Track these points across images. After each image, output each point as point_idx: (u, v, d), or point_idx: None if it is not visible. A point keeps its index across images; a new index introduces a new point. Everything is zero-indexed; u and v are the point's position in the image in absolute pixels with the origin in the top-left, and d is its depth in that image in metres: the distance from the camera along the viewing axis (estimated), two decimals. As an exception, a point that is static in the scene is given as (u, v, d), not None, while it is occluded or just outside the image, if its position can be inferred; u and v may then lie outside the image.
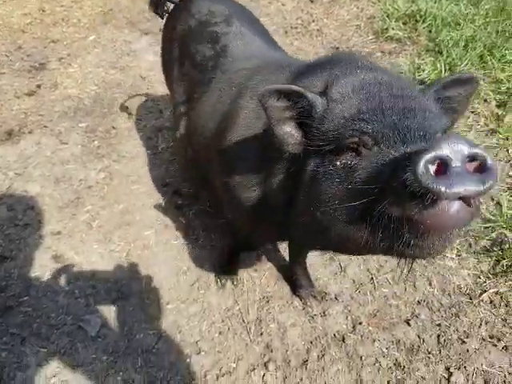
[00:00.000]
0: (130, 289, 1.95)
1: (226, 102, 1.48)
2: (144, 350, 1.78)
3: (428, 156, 0.64)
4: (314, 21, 3.50)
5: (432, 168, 0.64)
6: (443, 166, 0.64)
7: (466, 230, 0.76)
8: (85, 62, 3.11)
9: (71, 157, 2.48)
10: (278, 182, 1.16)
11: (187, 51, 1.78)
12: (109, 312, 1.88)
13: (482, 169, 0.64)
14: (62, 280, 1.98)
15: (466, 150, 0.63)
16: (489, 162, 0.64)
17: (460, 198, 0.65)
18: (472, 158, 0.64)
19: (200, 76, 1.68)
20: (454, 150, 0.63)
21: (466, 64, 2.86)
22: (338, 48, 3.24)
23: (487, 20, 3.30)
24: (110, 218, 2.19)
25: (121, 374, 1.72)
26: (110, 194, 2.29)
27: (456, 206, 0.66)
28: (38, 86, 2.89)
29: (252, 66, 1.51)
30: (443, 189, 0.62)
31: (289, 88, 0.97)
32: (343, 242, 0.93)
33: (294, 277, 1.94)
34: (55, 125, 2.66)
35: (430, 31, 3.24)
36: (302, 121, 0.99)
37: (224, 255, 2.00)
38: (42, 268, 2.01)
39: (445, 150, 0.63)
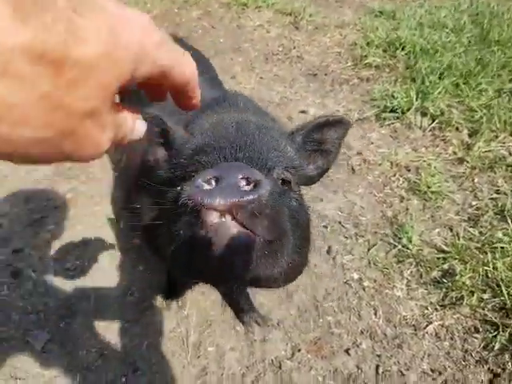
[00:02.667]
0: (79, 307, 2.04)
1: None
2: (84, 367, 1.85)
3: (203, 173, 0.67)
4: (295, 47, 3.62)
5: (205, 185, 0.65)
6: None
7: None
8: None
9: (43, 177, 2.62)
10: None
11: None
12: (57, 328, 1.97)
13: (254, 186, 0.64)
14: (17, 296, 2.09)
15: (241, 171, 0.65)
16: (261, 180, 0.64)
17: (224, 214, 0.63)
18: (248, 179, 0.65)
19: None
20: (229, 171, 0.65)
21: (440, 92, 2.91)
22: (316, 74, 3.34)
23: (468, 48, 3.35)
24: (69, 238, 2.30)
25: (58, 389, 1.80)
26: (74, 214, 2.41)
27: (221, 226, 0.64)
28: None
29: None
30: (199, 198, 0.62)
31: (154, 116, 1.02)
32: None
33: (237, 302, 2.00)
34: (32, 145, 2.81)
35: (409, 58, 3.31)
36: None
37: (166, 282, 2.08)
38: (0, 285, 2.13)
39: (220, 170, 0.66)
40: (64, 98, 0.32)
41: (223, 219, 0.63)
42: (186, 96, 0.51)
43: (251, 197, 0.62)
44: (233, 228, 0.64)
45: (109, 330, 1.97)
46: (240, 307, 1.98)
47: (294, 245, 0.82)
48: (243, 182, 0.64)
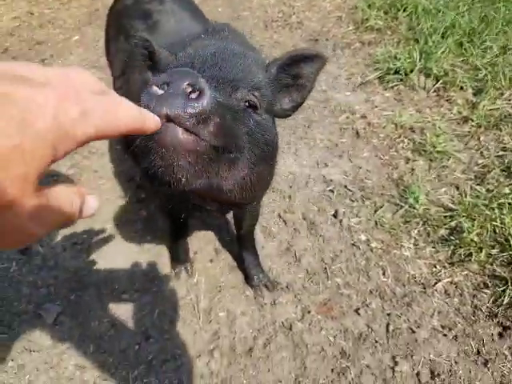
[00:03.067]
0: (89, 279, 2.06)
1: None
2: (97, 337, 1.88)
3: (156, 78, 0.70)
4: (294, 13, 3.56)
5: (158, 90, 0.67)
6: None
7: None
8: (67, 62, 3.25)
9: (45, 154, 2.62)
10: None
11: (122, 27, 1.93)
12: (67, 301, 2.00)
13: (198, 96, 0.67)
14: (27, 271, 2.11)
15: (188, 78, 0.67)
16: (206, 90, 0.67)
17: (171, 120, 0.66)
18: (193, 87, 0.67)
19: (132, 49, 1.81)
20: (178, 77, 0.68)
21: (443, 52, 2.86)
22: (317, 40, 3.29)
23: (472, 6, 3.28)
24: (75, 212, 2.31)
25: (73, 359, 1.83)
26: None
27: (168, 128, 0.67)
28: (20, 87, 3.04)
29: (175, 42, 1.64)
30: (150, 106, 0.64)
31: (143, 38, 1.10)
32: None
33: (246, 266, 2.01)
34: (33, 124, 2.80)
35: (411, 19, 3.25)
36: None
37: (169, 233, 2.10)
38: (9, 260, 2.15)
39: (170, 76, 0.68)
40: None
41: (172, 124, 0.66)
42: (140, 132, 0.49)
43: (192, 110, 0.66)
44: (179, 131, 0.67)
45: (120, 301, 1.99)
46: (249, 272, 2.00)
47: (250, 161, 0.88)
48: (188, 89, 0.67)
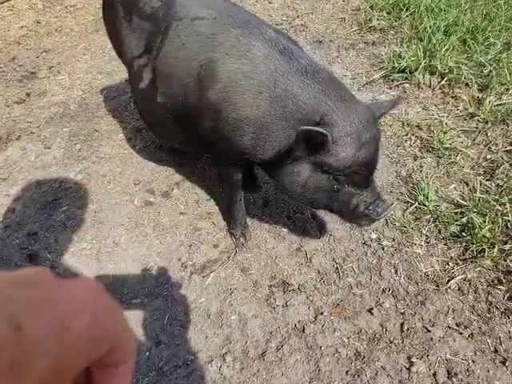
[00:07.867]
0: (98, 284, 1.98)
1: (192, 50, 1.63)
2: (107, 343, 1.80)
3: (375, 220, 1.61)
4: (298, 16, 3.48)
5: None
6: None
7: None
8: (74, 69, 3.18)
9: (53, 160, 2.54)
10: (271, 153, 1.60)
11: (133, 5, 1.86)
12: (77, 307, 1.92)
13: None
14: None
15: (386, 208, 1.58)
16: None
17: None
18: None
19: (153, 27, 1.75)
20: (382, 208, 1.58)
21: (447, 49, 2.77)
22: (321, 42, 3.20)
23: (474, 4, 3.19)
24: (83, 218, 2.23)
25: (84, 366, 1.75)
26: (86, 194, 2.34)
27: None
28: (28, 95, 2.97)
29: (212, 16, 1.65)
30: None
31: (319, 132, 1.34)
32: (314, 204, 1.68)
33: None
34: (41, 130, 2.73)
35: (414, 18, 3.16)
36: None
37: (230, 205, 2.09)
38: (16, 267, 2.07)
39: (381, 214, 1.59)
40: None
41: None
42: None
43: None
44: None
45: (129, 306, 1.91)
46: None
47: None
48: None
